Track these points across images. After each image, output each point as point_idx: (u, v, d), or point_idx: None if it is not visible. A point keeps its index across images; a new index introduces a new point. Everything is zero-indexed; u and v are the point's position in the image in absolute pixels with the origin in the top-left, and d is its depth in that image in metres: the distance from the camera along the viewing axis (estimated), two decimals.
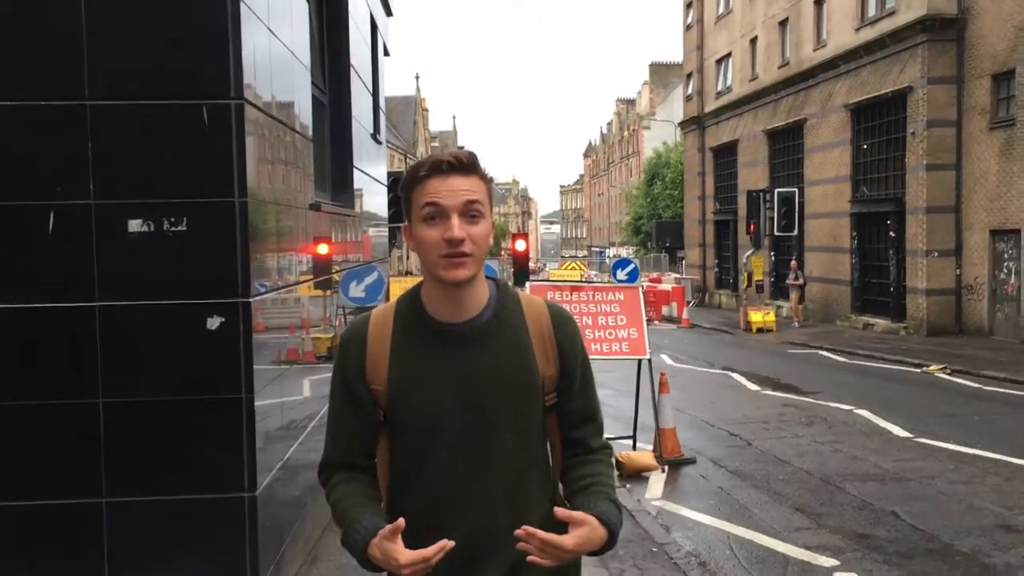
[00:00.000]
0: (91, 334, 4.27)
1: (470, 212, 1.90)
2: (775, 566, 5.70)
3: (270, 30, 4.99)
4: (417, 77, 76.56)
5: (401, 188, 1.99)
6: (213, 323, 4.34)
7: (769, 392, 13.28)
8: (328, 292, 7.24)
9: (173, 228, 4.29)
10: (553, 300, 2.12)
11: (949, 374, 15.00)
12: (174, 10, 4.29)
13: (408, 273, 35.57)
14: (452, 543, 1.83)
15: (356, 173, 8.82)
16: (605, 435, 2.21)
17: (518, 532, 1.83)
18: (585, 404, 2.11)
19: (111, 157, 4.26)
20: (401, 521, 1.86)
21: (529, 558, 1.84)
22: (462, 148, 2.10)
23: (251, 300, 4.41)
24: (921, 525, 6.39)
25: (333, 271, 7.35)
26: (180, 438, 4.36)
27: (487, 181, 1.98)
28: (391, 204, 14.94)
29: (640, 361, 8.98)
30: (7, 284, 4.25)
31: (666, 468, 8.42)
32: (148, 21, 4.28)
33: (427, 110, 72.34)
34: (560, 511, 1.89)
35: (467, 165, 1.93)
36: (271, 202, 5.07)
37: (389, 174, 14.67)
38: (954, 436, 9.44)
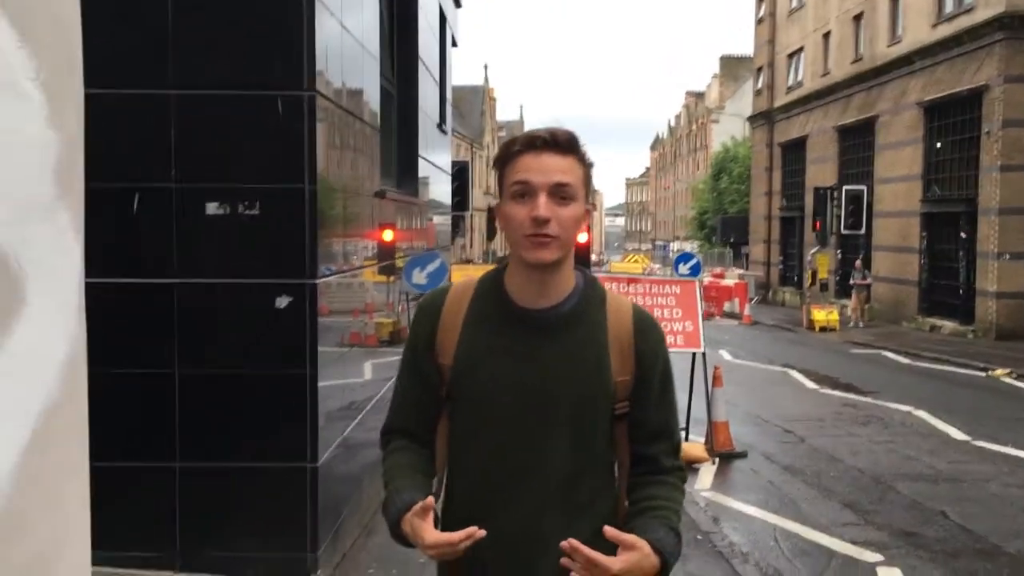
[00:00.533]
0: (168, 309, 4.57)
1: (560, 193, 1.81)
2: (819, 558, 5.78)
3: (341, 24, 5.22)
4: (486, 67, 76.60)
5: (494, 163, 1.93)
6: (281, 302, 4.60)
7: (827, 391, 13.22)
8: (391, 278, 7.49)
9: (247, 211, 4.55)
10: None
11: (1015, 379, 14.73)
12: (252, 5, 4.55)
13: (469, 261, 35.85)
14: (483, 532, 1.76)
15: (421, 162, 9.07)
16: None
17: (563, 545, 1.73)
18: (660, 419, 1.99)
19: (191, 144, 4.54)
20: (431, 500, 1.81)
21: (571, 575, 1.74)
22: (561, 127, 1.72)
23: (317, 282, 4.66)
24: (970, 526, 6.40)
25: (397, 257, 7.59)
26: (248, 409, 4.63)
27: (585, 164, 1.89)
28: (455, 193, 15.21)
29: (694, 354, 9.06)
30: (93, 259, 4.56)
31: (717, 460, 8.51)
32: (227, 15, 4.54)
33: (495, 99, 72.66)
34: (609, 531, 1.78)
35: (563, 144, 1.84)
36: (339, 189, 5.32)
37: (454, 163, 14.94)
38: (1013, 440, 9.34)
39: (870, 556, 5.76)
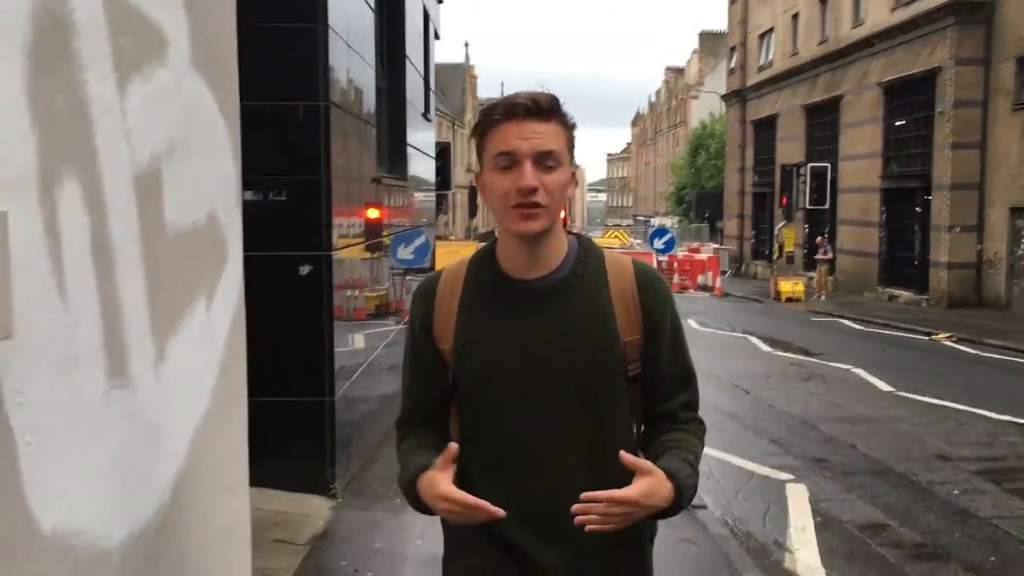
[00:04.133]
0: None
1: (545, 161, 1.76)
2: (742, 478, 7.04)
3: (347, 44, 6.36)
4: (467, 45, 77.73)
5: (473, 132, 1.86)
6: (304, 270, 5.78)
7: (780, 353, 14.53)
8: (376, 254, 8.64)
9: (276, 197, 5.71)
10: None
11: (955, 342, 16.08)
12: (285, 38, 5.69)
13: (440, 238, 36.82)
14: (503, 513, 1.72)
15: (408, 149, 10.21)
16: None
17: (575, 508, 1.70)
18: (675, 374, 1.95)
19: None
20: (453, 446, 1.78)
21: (589, 528, 1.71)
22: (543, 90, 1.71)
23: (332, 254, 5.85)
24: (871, 454, 7.69)
25: (386, 235, 8.75)
26: (280, 356, 5.81)
27: (568, 127, 1.83)
28: (438, 172, 16.35)
29: None
30: None
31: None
32: (270, 47, 5.66)
33: (475, 77, 73.39)
34: (626, 456, 1.74)
35: (545, 109, 1.77)
36: (345, 178, 6.48)
37: (436, 144, 16.04)
38: (932, 391, 10.66)
39: (783, 475, 7.03)
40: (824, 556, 5.29)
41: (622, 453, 1.74)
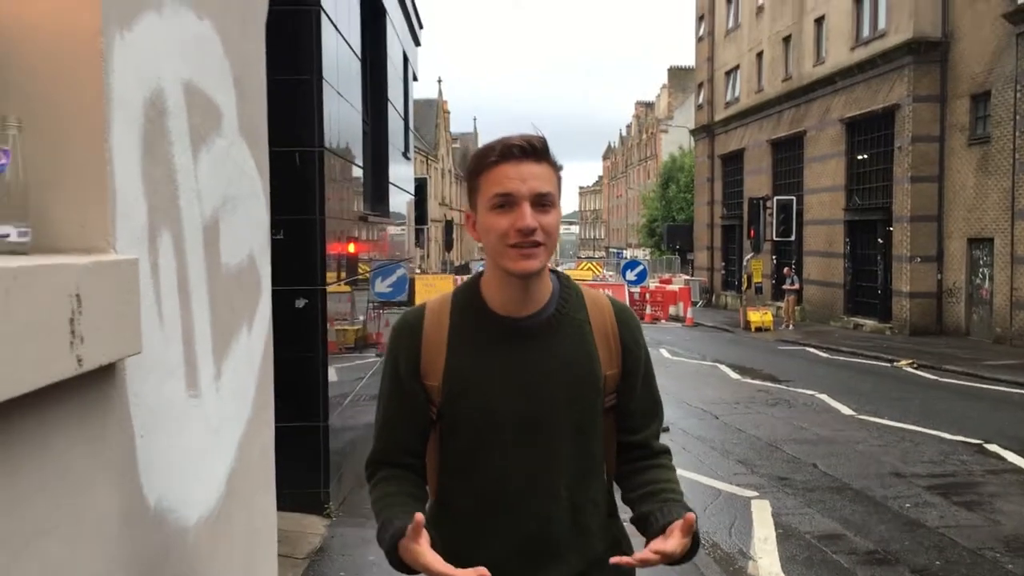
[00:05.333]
0: None
1: (541, 202, 1.79)
2: (710, 495, 7.49)
3: (339, 92, 6.84)
4: (439, 81, 78.51)
5: (468, 173, 1.89)
6: (300, 303, 6.20)
7: (748, 380, 15.06)
8: (359, 288, 9.06)
9: (275, 236, 6.12)
10: None
11: (916, 368, 16.71)
12: (282, 89, 6.14)
13: (422, 271, 37.39)
14: (486, 574, 1.68)
15: (390, 187, 10.69)
16: None
17: (615, 560, 1.78)
18: (647, 405, 2.03)
19: None
20: (419, 517, 1.72)
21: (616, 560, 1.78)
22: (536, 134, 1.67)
23: (326, 287, 6.28)
24: (831, 472, 8.18)
25: (370, 269, 9.19)
26: (280, 383, 6.20)
27: (556, 169, 1.87)
28: (417, 207, 16.86)
29: None
30: None
31: None
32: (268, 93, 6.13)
33: (448, 112, 74.37)
34: (676, 528, 1.77)
35: (540, 150, 1.82)
36: (336, 217, 6.93)
37: (415, 179, 16.56)
38: (891, 414, 11.20)
39: (748, 493, 7.49)
40: (784, 563, 5.75)
41: (675, 526, 1.78)
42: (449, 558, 1.75)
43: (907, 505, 7.06)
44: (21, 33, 1.64)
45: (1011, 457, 8.74)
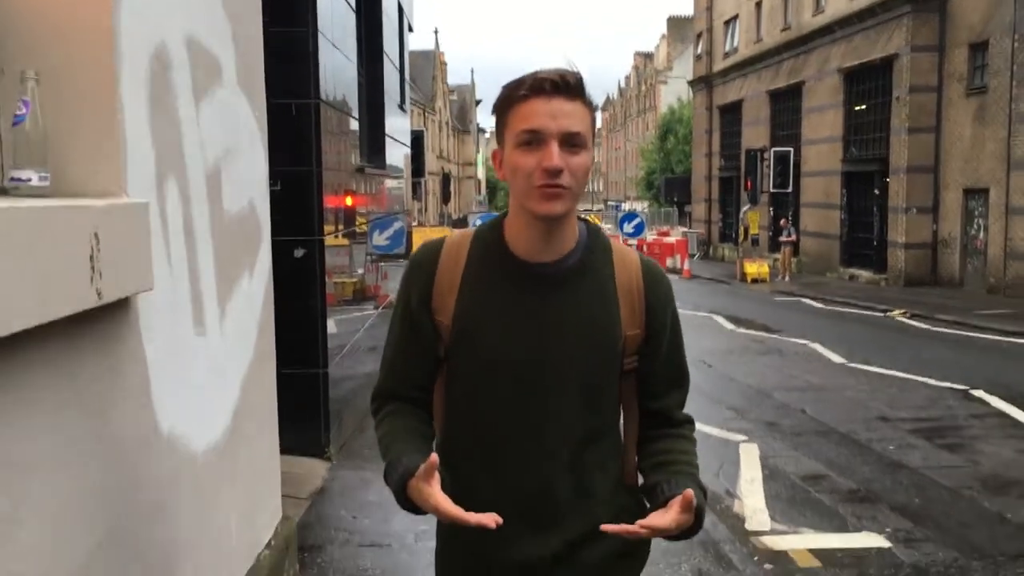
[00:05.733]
0: None
1: (572, 142, 1.69)
2: (701, 440, 7.62)
3: (333, 44, 6.91)
4: (436, 32, 77.90)
5: (495, 107, 1.78)
6: (299, 253, 6.33)
7: (742, 330, 15.26)
8: (357, 241, 9.18)
9: (273, 188, 6.23)
10: None
11: (909, 318, 16.91)
12: (277, 37, 6.21)
13: (419, 224, 37.45)
14: (499, 521, 1.66)
15: (387, 139, 10.76)
16: None
17: (606, 528, 1.70)
18: (671, 371, 1.94)
19: None
20: (434, 457, 1.67)
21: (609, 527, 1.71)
22: (572, 69, 1.78)
23: (324, 238, 6.41)
24: (819, 417, 8.39)
25: (366, 221, 9.30)
26: (280, 331, 6.36)
27: (591, 108, 1.76)
28: (413, 159, 16.89)
29: None
30: None
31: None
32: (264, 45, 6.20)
33: (445, 63, 73.79)
34: (678, 501, 1.70)
35: (573, 87, 1.71)
36: (333, 169, 7.03)
37: (412, 132, 16.58)
38: (880, 362, 11.41)
39: (738, 437, 7.69)
40: (769, 501, 5.96)
41: (679, 497, 1.70)
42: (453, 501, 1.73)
43: (891, 447, 7.27)
44: None
45: (995, 402, 8.95)
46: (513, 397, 1.81)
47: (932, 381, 10.08)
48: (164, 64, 2.14)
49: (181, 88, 2.26)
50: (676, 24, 78.75)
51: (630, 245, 16.82)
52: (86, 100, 1.81)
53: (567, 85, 1.70)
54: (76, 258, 1.55)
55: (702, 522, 1.77)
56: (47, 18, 1.77)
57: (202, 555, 2.40)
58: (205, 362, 2.41)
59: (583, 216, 1.92)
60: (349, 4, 7.85)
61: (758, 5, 32.96)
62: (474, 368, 1.84)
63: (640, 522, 1.69)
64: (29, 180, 1.69)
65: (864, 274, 24.84)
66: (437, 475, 1.70)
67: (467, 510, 1.68)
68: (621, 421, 1.96)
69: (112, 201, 1.75)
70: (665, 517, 1.71)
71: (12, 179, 1.69)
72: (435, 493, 1.68)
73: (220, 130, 2.60)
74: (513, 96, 1.73)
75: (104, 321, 1.76)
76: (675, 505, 1.71)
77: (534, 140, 1.69)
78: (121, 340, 1.86)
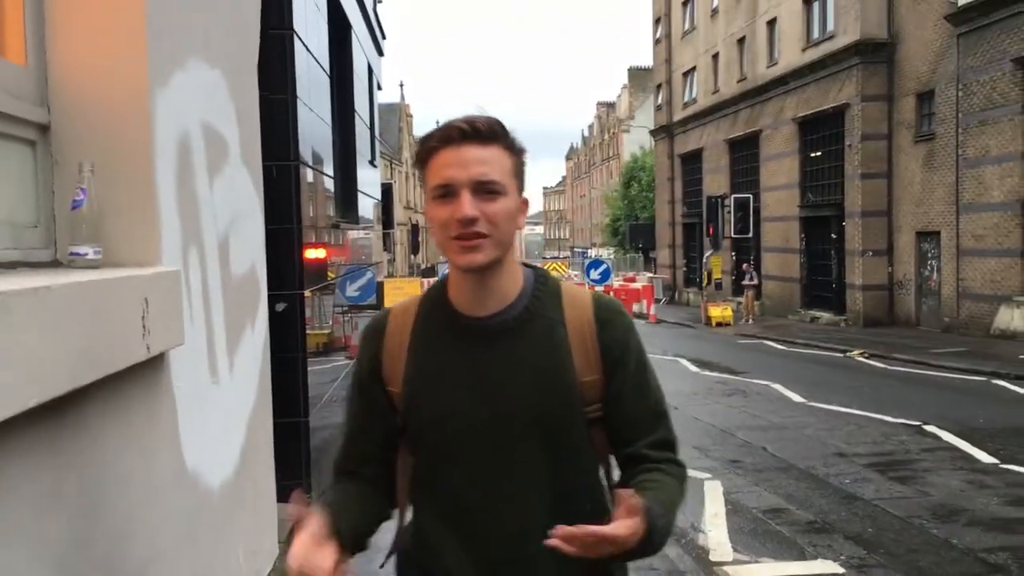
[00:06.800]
0: None
1: (486, 189, 1.63)
2: None
3: (310, 108, 7.28)
4: (401, 85, 79.00)
5: (415, 163, 1.75)
6: (280, 307, 6.62)
7: (706, 373, 15.67)
8: (329, 293, 9.48)
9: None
10: None
11: (867, 357, 17.43)
12: (261, 105, 6.58)
13: (390, 275, 37.71)
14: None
15: (359, 195, 11.13)
16: None
17: (552, 542, 1.52)
18: (641, 413, 1.81)
19: None
20: (322, 527, 1.56)
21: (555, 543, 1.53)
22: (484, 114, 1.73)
23: (304, 292, 6.72)
24: (780, 455, 8.75)
25: (337, 275, 9.61)
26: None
27: (514, 152, 1.70)
28: (384, 211, 17.28)
29: None
30: None
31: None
32: None
33: (411, 116, 74.68)
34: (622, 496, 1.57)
35: (484, 132, 1.65)
36: (311, 225, 7.37)
37: (381, 184, 16.98)
38: (839, 400, 11.84)
39: (702, 475, 8.02)
40: (732, 534, 6.28)
41: (589, 528, 1.53)
42: None
43: (847, 481, 7.64)
44: (91, 99, 2.11)
45: (946, 436, 9.38)
46: (474, 459, 1.72)
47: (888, 418, 10.51)
48: (186, 148, 2.48)
49: (199, 168, 2.59)
50: (637, 75, 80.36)
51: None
52: (129, 185, 2.14)
53: (476, 131, 1.65)
54: (132, 319, 1.87)
55: (657, 538, 1.63)
56: (98, 117, 2.11)
57: None
58: (219, 407, 2.72)
59: (532, 265, 1.86)
60: (323, 69, 8.24)
61: (715, 57, 33.98)
62: (429, 433, 1.76)
63: (581, 528, 1.53)
64: (86, 255, 2.01)
65: (824, 315, 25.46)
66: (329, 543, 1.56)
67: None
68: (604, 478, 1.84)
69: (156, 270, 2.07)
70: (608, 525, 1.56)
71: (72, 253, 2.01)
72: (305, 540, 1.54)
73: (228, 201, 2.93)
74: (425, 150, 1.69)
75: (148, 372, 2.07)
76: (620, 506, 1.58)
77: (447, 192, 1.64)
78: (159, 388, 2.17)
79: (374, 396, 1.81)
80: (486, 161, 1.64)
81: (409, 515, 1.86)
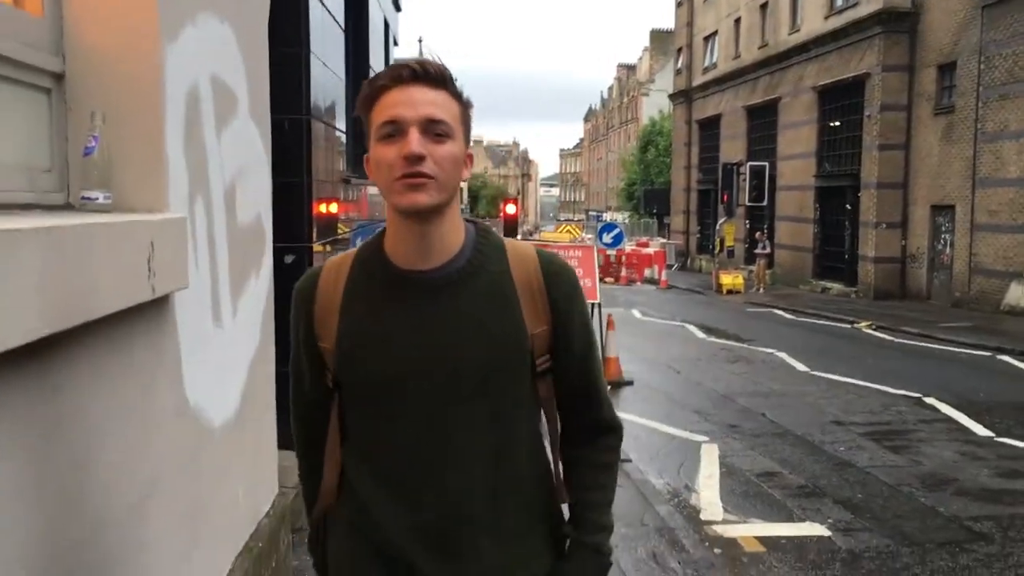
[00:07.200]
0: None
1: (434, 130, 1.58)
2: (667, 440, 8.17)
3: (324, 63, 7.35)
4: (420, 41, 78.09)
5: (358, 106, 1.68)
6: (288, 259, 6.75)
7: (712, 339, 15.77)
8: (342, 247, 9.62)
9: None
10: None
11: (875, 329, 17.49)
12: (272, 57, 6.65)
13: None
14: None
15: None
16: None
17: None
18: (586, 376, 1.79)
19: None
20: None
21: None
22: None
23: (312, 245, 6.84)
24: (778, 421, 8.88)
25: (350, 229, 9.73)
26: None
27: (462, 102, 1.66)
28: None
29: (592, 304, 11.42)
30: None
31: (609, 387, 10.85)
32: None
33: None
34: None
35: (434, 76, 1.62)
36: (322, 179, 7.47)
37: None
38: (842, 370, 11.93)
39: (700, 438, 8.17)
40: (723, 495, 6.43)
41: None
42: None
43: (841, 448, 7.77)
44: (104, 51, 2.21)
45: (944, 408, 9.48)
46: (411, 422, 1.66)
47: (888, 389, 10.61)
48: (195, 100, 2.58)
49: (207, 119, 2.69)
50: (658, 37, 79.43)
51: (609, 255, 17.68)
52: (139, 134, 2.25)
53: (426, 73, 1.61)
54: (139, 260, 1.98)
55: (607, 550, 1.80)
56: (111, 68, 2.21)
57: (217, 517, 2.83)
58: (221, 349, 2.84)
59: (473, 219, 1.82)
60: (338, 23, 8.29)
61: (737, 22, 33.66)
62: (363, 394, 1.70)
63: None
64: (97, 199, 2.12)
65: (835, 286, 25.47)
66: None
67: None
68: (545, 432, 1.81)
69: (163, 216, 2.19)
70: None
71: (83, 198, 2.12)
72: None
73: (235, 154, 3.03)
74: (372, 90, 1.64)
75: (153, 311, 2.19)
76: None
77: (395, 131, 1.58)
78: (163, 327, 2.30)
79: (309, 355, 1.77)
80: (436, 103, 1.60)
81: (335, 471, 1.78)
